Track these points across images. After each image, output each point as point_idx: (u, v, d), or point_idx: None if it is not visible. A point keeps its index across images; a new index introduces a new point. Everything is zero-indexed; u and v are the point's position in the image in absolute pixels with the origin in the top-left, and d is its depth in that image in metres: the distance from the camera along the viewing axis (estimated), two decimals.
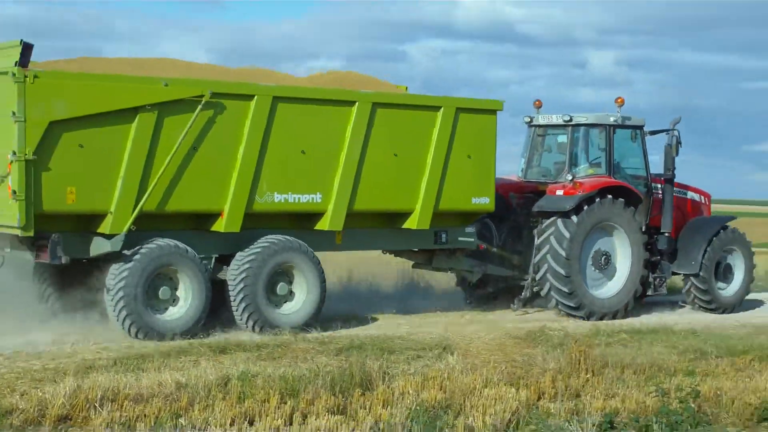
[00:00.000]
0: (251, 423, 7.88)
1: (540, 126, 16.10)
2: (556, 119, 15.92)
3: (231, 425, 7.80)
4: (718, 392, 9.37)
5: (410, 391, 8.89)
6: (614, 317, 15.12)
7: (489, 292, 16.17)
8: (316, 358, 10.67)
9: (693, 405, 8.30)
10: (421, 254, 15.16)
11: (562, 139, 16.05)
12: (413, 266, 16.25)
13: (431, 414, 8.23)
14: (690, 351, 12.04)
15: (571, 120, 15.65)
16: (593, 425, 8.14)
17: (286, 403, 8.24)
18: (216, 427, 7.71)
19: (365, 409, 8.34)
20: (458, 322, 14.34)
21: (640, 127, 16.13)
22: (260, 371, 9.37)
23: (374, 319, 13.98)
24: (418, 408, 8.25)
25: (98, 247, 11.56)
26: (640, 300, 16.01)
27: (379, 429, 7.79)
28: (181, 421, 7.79)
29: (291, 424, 7.84)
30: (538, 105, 16.25)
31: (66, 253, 11.22)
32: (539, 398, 9.24)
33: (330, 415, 8.00)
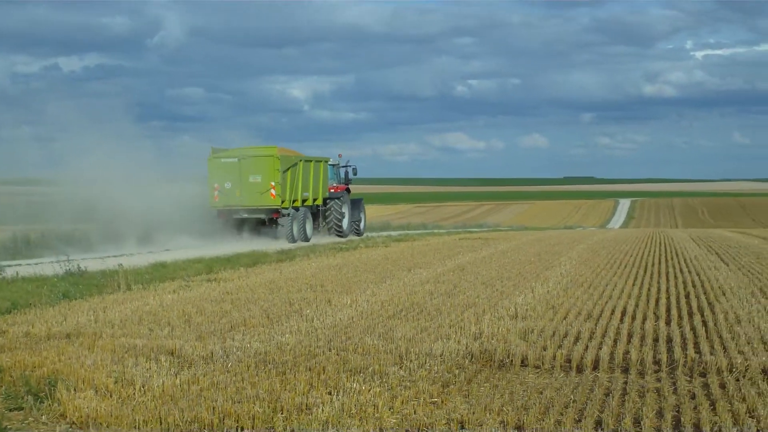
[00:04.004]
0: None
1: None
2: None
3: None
4: None
5: None
6: (346, 236, 40.41)
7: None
8: None
9: None
10: None
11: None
12: None
13: None
14: None
15: (329, 162, 41.57)
16: None
17: None
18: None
19: None
20: None
21: (336, 165, 42.39)
22: None
23: None
24: None
25: (284, 213, 36.91)
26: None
27: None
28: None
29: None
30: (340, 156, 43.57)
31: (282, 215, 36.94)
32: None
33: None
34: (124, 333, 12.94)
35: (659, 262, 25.72)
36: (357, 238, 40.41)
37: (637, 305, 16.07)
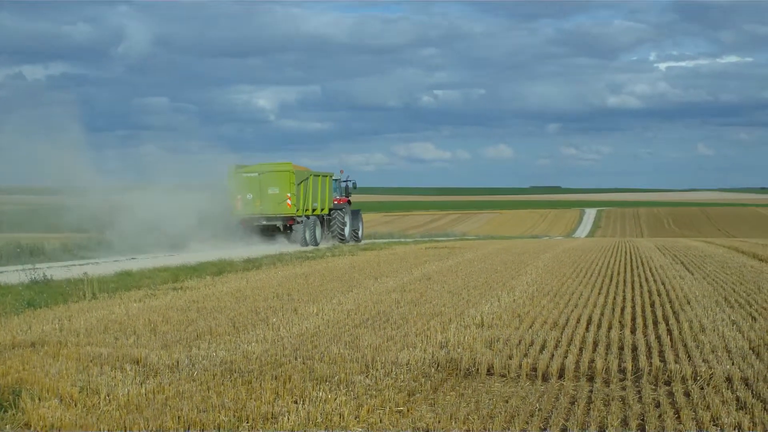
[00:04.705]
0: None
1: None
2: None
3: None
4: None
5: None
6: (348, 242, 45.90)
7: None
8: None
9: None
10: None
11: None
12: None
13: None
14: None
15: (333, 176, 47.33)
16: None
17: None
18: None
19: None
20: None
21: (339, 179, 48.27)
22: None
23: None
24: None
25: (298, 220, 42.61)
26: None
27: None
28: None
29: None
30: (341, 172, 49.67)
31: (296, 222, 42.61)
32: None
33: None
34: (89, 342, 12.86)
35: (625, 271, 25.93)
36: (324, 246, 43.13)
37: (602, 314, 16.20)
